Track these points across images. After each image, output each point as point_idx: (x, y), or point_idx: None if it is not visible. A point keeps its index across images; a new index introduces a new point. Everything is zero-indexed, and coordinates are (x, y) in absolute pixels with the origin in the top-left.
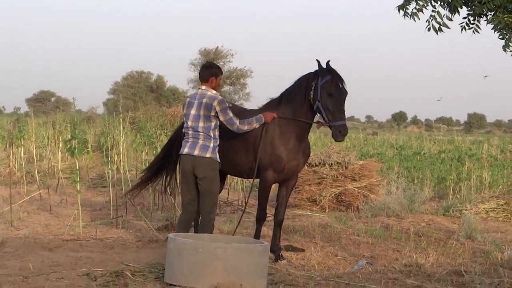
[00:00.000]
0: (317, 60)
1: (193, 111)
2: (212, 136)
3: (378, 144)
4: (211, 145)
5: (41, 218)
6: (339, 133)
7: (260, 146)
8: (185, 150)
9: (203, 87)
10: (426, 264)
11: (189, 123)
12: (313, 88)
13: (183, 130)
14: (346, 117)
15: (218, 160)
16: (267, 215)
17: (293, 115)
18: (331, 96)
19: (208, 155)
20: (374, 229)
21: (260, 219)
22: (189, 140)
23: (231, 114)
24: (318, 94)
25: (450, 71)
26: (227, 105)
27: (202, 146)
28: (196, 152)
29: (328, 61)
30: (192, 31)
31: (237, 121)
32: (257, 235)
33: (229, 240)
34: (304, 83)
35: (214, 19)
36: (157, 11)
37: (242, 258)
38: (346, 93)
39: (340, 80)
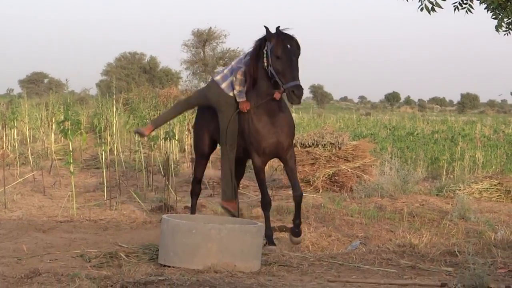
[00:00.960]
0: (264, 26)
1: None
2: None
3: (371, 125)
4: None
5: (35, 200)
6: (293, 94)
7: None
8: None
9: None
10: (419, 244)
11: None
12: (264, 56)
13: None
14: (299, 77)
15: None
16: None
17: (257, 91)
18: (278, 58)
19: None
20: (367, 209)
21: (265, 204)
22: None
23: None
24: (269, 60)
25: (444, 52)
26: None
27: None
28: None
29: (278, 27)
30: (185, 12)
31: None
32: (267, 223)
33: (223, 221)
34: (254, 54)
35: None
36: None
37: (236, 239)
38: (296, 52)
39: (288, 39)
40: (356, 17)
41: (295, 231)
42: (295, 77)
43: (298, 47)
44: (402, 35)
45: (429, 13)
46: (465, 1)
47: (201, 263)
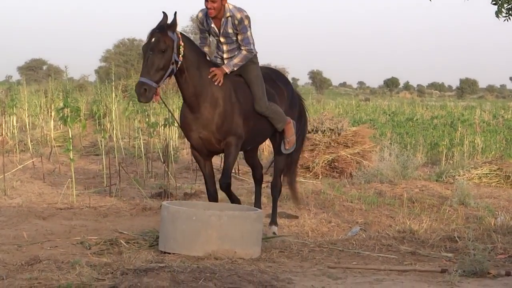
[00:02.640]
0: (163, 12)
1: None
2: None
3: (371, 111)
4: None
5: (35, 187)
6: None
7: None
8: None
9: None
10: (419, 230)
11: None
12: None
13: None
14: (150, 74)
15: None
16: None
17: None
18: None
19: None
20: (367, 195)
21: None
22: None
23: None
24: None
25: (442, 37)
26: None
27: None
28: None
29: (175, 12)
30: None
31: None
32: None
33: (223, 207)
34: None
35: None
36: None
37: (236, 226)
38: (149, 47)
39: (149, 34)
40: (355, 2)
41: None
42: (141, 73)
43: (157, 40)
44: (401, 21)
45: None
46: None
47: (202, 249)
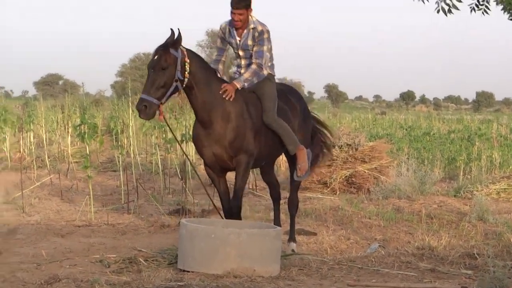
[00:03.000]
0: (170, 29)
1: None
2: None
3: (387, 125)
4: None
5: (53, 204)
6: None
7: None
8: None
9: None
10: (438, 247)
11: None
12: None
13: None
14: (151, 92)
15: None
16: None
17: None
18: None
19: None
20: (385, 211)
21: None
22: None
23: None
24: None
25: (458, 50)
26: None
27: None
28: None
29: (178, 29)
30: (199, 12)
31: None
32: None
33: (242, 225)
34: None
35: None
36: None
37: (255, 243)
38: (152, 65)
39: (153, 52)
40: (370, 16)
41: None
42: (143, 90)
43: (158, 58)
44: (416, 34)
45: (446, 15)
46: (481, 3)
47: (220, 267)
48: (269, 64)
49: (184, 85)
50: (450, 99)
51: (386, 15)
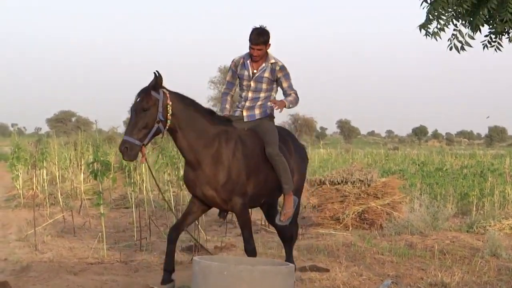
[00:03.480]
0: (154, 72)
1: None
2: None
3: (400, 160)
4: None
5: (65, 241)
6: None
7: None
8: None
9: None
10: (451, 283)
11: None
12: None
13: None
14: (133, 133)
15: None
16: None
17: None
18: None
19: None
20: (398, 247)
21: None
22: None
23: None
24: None
25: (470, 85)
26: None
27: None
28: None
29: (158, 72)
30: (212, 48)
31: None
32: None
33: (254, 262)
34: None
35: (232, 36)
36: (177, 29)
37: (268, 281)
38: (134, 107)
39: (136, 95)
40: (381, 52)
41: None
42: (125, 132)
43: (140, 100)
44: (428, 69)
45: (458, 52)
46: (493, 40)
47: None
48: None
49: (167, 127)
50: (462, 134)
51: (397, 51)
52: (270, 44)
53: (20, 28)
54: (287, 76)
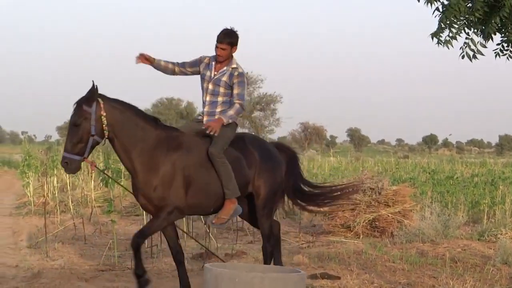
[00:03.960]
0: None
1: None
2: None
3: (410, 168)
4: None
5: (76, 248)
6: None
7: None
8: None
9: None
10: None
11: None
12: None
13: None
14: (69, 149)
15: None
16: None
17: None
18: None
19: None
20: (409, 255)
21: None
22: None
23: None
24: None
25: (481, 93)
26: None
27: None
28: None
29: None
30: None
31: None
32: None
33: (266, 269)
34: None
35: (244, 44)
36: (185, 37)
37: None
38: (69, 121)
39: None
40: (391, 60)
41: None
42: (64, 148)
43: (72, 115)
44: (439, 78)
45: (471, 60)
46: (506, 48)
47: None
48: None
49: (105, 137)
50: (473, 142)
51: (406, 60)
52: (236, 48)
53: (33, 35)
54: (241, 84)
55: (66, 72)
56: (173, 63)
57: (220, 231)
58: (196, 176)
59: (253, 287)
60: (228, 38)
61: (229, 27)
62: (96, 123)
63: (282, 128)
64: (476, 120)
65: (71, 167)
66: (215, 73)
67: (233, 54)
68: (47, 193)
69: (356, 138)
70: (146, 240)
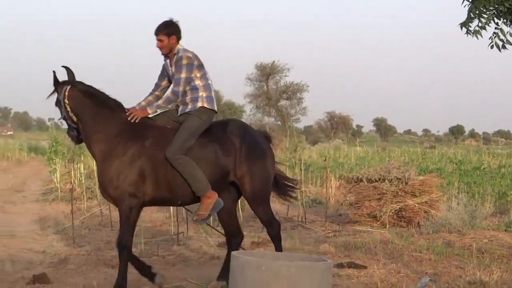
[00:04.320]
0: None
1: None
2: None
3: (437, 159)
4: None
5: (103, 234)
6: None
7: None
8: None
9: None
10: (490, 281)
11: None
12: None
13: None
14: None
15: None
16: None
17: None
18: None
19: None
20: (436, 245)
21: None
22: None
23: None
24: None
25: (508, 83)
26: None
27: None
28: None
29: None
30: (248, 45)
31: None
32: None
33: (292, 257)
34: None
35: (270, 33)
36: (213, 25)
37: (306, 276)
38: None
39: None
40: (418, 51)
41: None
42: None
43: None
44: (466, 68)
45: (500, 50)
46: None
47: None
48: (204, 95)
49: (74, 122)
50: (499, 133)
51: (434, 50)
52: (175, 38)
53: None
54: (179, 68)
55: (97, 61)
56: (151, 94)
57: (247, 219)
58: (155, 169)
59: (279, 275)
60: (165, 29)
61: (167, 19)
62: (63, 109)
63: (308, 117)
64: (503, 110)
65: (72, 140)
66: (171, 68)
67: (180, 43)
68: (73, 180)
69: (383, 128)
70: (174, 227)
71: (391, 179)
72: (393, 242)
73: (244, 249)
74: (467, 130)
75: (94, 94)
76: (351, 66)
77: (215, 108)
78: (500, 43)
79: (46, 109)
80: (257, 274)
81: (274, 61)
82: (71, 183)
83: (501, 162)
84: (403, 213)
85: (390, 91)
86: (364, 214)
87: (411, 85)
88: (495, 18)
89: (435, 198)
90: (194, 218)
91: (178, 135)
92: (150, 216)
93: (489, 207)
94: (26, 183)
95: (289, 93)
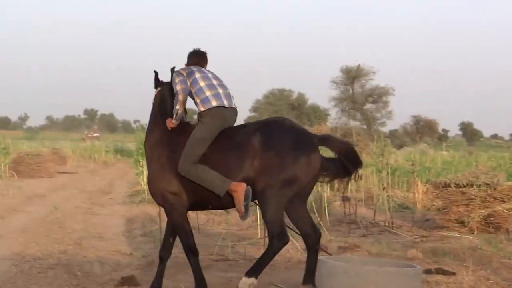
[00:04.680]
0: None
1: None
2: None
3: None
4: None
5: None
6: None
7: None
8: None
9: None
10: None
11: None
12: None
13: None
14: None
15: None
16: None
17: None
18: None
19: None
20: None
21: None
22: None
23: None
24: None
25: None
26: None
27: None
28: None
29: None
30: (334, 49)
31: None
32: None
33: (380, 263)
34: None
35: (355, 38)
36: (299, 31)
37: (394, 282)
38: None
39: None
40: (505, 55)
41: None
42: None
43: None
44: None
45: None
46: None
47: None
48: (199, 99)
49: None
50: None
51: None
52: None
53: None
54: (173, 81)
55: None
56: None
57: (333, 223)
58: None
59: (367, 280)
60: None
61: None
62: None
63: (394, 121)
64: None
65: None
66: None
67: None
68: None
69: (469, 132)
70: (260, 230)
71: (479, 185)
72: (482, 248)
73: (329, 254)
74: None
75: (159, 99)
76: (435, 69)
77: (223, 104)
78: None
79: (132, 111)
80: (344, 279)
81: (359, 65)
82: None
83: None
84: (492, 219)
85: (477, 94)
86: (452, 220)
87: (498, 88)
88: None
89: None
90: (239, 217)
91: (184, 151)
92: (236, 219)
93: None
94: (113, 185)
95: (375, 96)
